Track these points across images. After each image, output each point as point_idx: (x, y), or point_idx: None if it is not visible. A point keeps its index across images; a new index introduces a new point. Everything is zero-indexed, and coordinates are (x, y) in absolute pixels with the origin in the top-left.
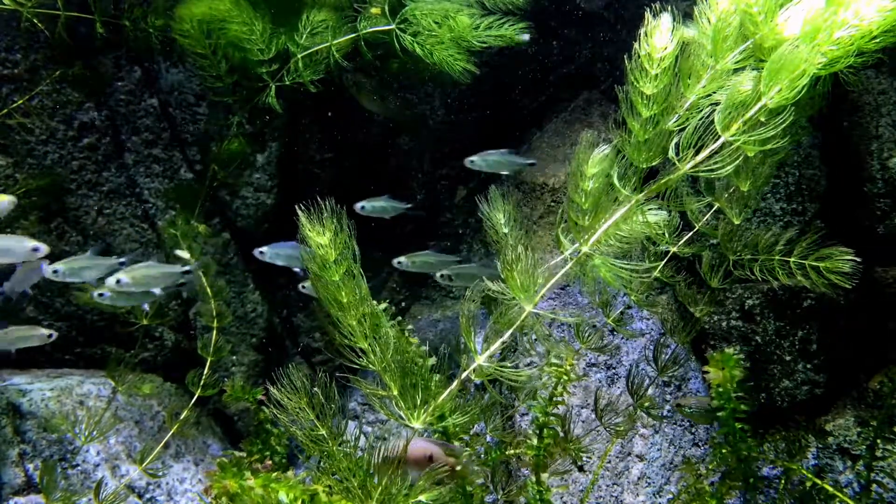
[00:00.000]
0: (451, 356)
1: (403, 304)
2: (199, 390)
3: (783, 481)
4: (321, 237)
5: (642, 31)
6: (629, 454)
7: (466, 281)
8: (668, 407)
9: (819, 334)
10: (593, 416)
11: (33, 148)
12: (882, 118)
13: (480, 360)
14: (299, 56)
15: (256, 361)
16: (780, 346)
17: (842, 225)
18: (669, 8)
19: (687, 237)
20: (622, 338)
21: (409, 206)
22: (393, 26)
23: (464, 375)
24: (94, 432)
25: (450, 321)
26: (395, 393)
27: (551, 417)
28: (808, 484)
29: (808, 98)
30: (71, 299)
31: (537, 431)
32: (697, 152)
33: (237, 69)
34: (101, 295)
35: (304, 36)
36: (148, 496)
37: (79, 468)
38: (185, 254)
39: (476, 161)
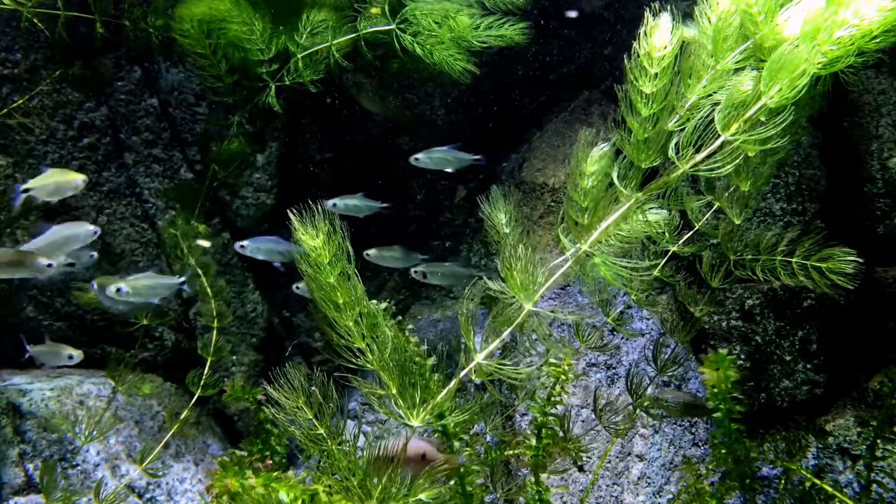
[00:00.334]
0: (451, 356)
1: (403, 304)
2: (199, 390)
3: (783, 481)
4: (314, 240)
5: (641, 30)
6: (629, 454)
7: (441, 279)
8: None
9: (819, 334)
10: (593, 416)
11: (33, 148)
12: (882, 118)
13: (479, 357)
14: (299, 56)
15: (256, 361)
16: (780, 346)
17: (842, 225)
18: (669, 8)
19: (687, 236)
20: (622, 337)
21: (384, 205)
22: (393, 26)
23: (463, 373)
24: (94, 432)
25: (450, 321)
26: (394, 391)
27: (550, 417)
28: (808, 484)
29: (808, 98)
30: (71, 299)
31: (535, 431)
32: (697, 151)
33: (237, 69)
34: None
35: (304, 36)
36: (148, 496)
37: (79, 468)
38: (206, 243)
39: (421, 158)
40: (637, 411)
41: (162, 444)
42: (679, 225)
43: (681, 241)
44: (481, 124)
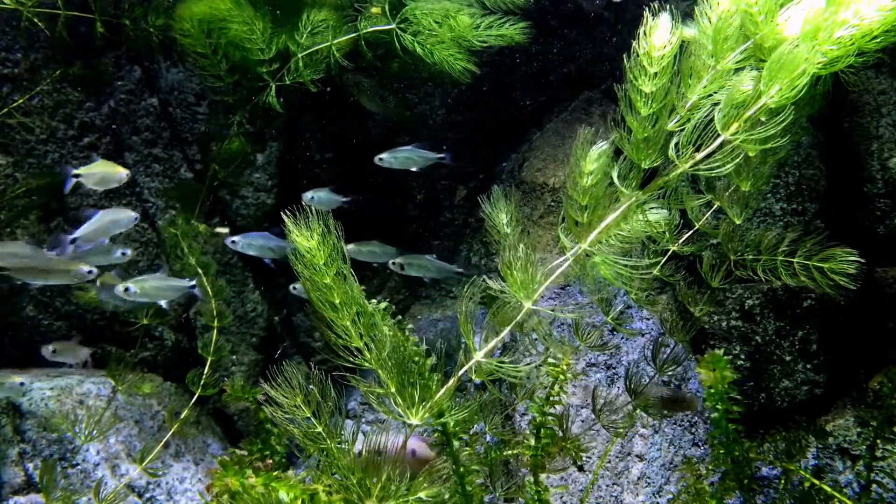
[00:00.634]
0: (451, 355)
1: (403, 303)
2: (199, 390)
3: (783, 481)
4: (309, 241)
5: (641, 30)
6: (629, 454)
7: (418, 270)
8: None
9: (819, 334)
10: (593, 415)
11: (33, 147)
12: (882, 118)
13: (479, 355)
14: (300, 55)
15: (256, 361)
16: (780, 346)
17: (842, 225)
18: (669, 8)
19: (687, 236)
20: (622, 337)
21: (347, 199)
22: (393, 26)
23: (462, 371)
24: (94, 432)
25: (450, 321)
26: (393, 390)
27: (548, 417)
28: (807, 484)
29: (808, 98)
30: (71, 299)
31: (534, 431)
32: (697, 150)
33: (237, 69)
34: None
35: (305, 35)
36: (148, 495)
37: (78, 467)
38: (224, 229)
39: (385, 158)
40: (636, 411)
41: (162, 443)
42: (679, 224)
43: (681, 241)
44: (481, 124)
